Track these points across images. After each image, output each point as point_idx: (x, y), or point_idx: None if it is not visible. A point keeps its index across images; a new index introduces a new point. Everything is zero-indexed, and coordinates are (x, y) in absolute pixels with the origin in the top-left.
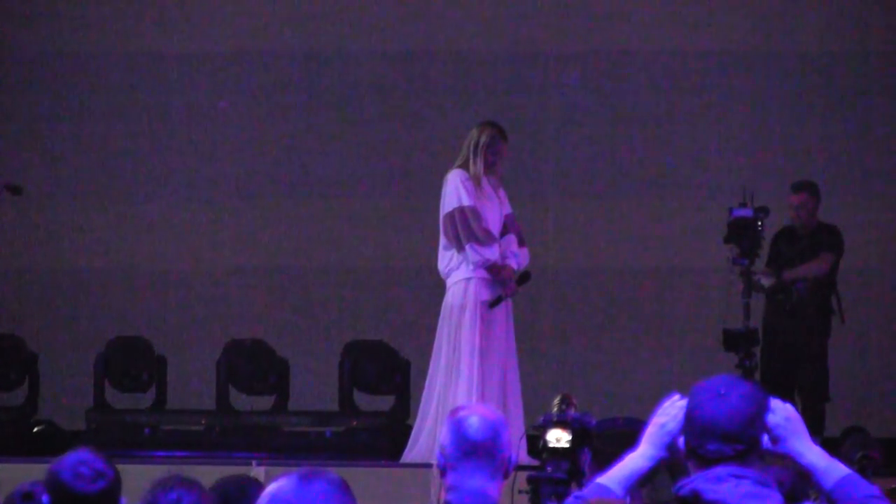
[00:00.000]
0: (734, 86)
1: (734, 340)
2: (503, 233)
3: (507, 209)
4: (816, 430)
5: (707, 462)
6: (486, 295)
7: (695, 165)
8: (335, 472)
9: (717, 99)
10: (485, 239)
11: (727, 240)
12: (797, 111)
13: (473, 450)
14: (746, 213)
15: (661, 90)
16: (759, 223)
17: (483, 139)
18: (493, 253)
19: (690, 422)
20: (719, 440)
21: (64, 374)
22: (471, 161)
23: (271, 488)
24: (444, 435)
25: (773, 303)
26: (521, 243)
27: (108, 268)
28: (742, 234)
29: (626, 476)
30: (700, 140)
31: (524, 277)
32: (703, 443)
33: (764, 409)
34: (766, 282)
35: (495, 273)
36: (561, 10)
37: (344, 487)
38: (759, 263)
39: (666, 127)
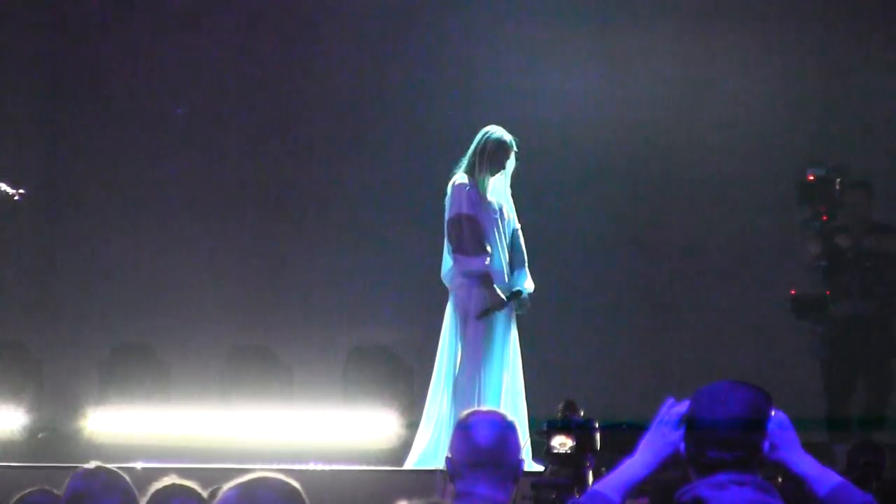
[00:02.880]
0: (739, 87)
1: (807, 307)
2: (510, 248)
3: (515, 224)
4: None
5: (707, 469)
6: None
7: (698, 166)
8: (285, 480)
9: (719, 99)
10: (473, 249)
11: (800, 200)
12: (798, 111)
13: (482, 456)
14: (819, 171)
15: (666, 92)
16: (838, 181)
17: (489, 145)
18: (477, 264)
19: (690, 429)
20: (719, 447)
21: (68, 380)
22: (476, 166)
23: (218, 499)
24: (452, 442)
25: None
26: (522, 263)
27: (112, 274)
28: (815, 194)
29: (623, 483)
30: (703, 140)
31: (514, 294)
32: (703, 450)
33: (766, 415)
34: (845, 243)
35: (484, 284)
36: (562, 12)
37: (293, 497)
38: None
39: (666, 128)
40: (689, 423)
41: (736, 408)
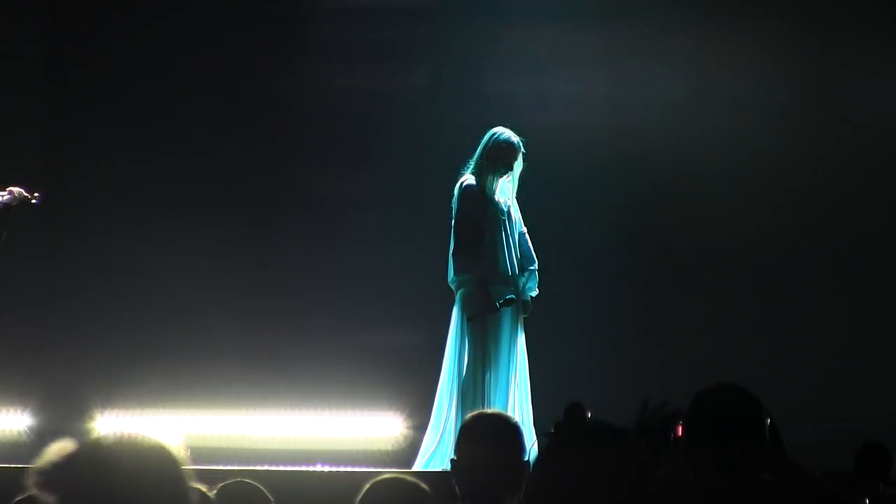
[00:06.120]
0: (746, 88)
1: None
2: (519, 253)
3: (521, 227)
4: None
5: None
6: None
7: (703, 168)
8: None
9: (726, 100)
10: (468, 252)
11: None
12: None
13: (486, 458)
14: None
15: (671, 95)
16: None
17: (496, 145)
18: (470, 267)
19: (697, 433)
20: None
21: (72, 379)
22: (483, 167)
23: None
24: (456, 444)
25: None
26: (530, 266)
27: (119, 276)
28: None
29: None
30: (709, 142)
31: (507, 301)
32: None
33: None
34: None
35: (478, 288)
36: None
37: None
38: None
39: (671, 131)
40: (695, 428)
41: (737, 408)
